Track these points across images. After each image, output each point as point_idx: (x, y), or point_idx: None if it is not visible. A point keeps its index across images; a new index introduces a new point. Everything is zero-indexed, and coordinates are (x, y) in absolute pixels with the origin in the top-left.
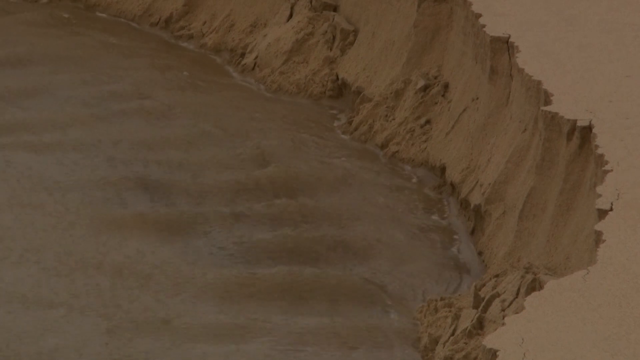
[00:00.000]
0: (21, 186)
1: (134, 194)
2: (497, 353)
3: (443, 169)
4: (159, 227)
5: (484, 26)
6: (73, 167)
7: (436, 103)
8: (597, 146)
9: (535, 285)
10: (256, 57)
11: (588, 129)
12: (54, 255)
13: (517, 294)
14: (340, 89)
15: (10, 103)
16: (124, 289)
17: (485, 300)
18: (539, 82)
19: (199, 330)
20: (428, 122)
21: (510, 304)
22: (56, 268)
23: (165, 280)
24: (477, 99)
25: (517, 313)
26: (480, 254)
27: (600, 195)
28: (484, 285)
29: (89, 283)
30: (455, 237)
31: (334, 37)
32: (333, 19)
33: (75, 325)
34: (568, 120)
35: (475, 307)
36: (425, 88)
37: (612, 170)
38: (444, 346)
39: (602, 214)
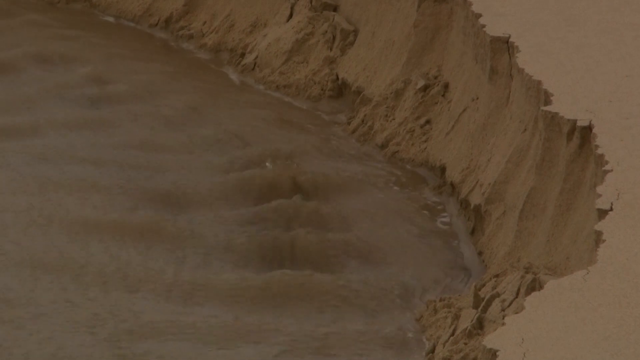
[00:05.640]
0: (17, 188)
1: (135, 198)
2: (497, 353)
3: (443, 169)
4: (160, 231)
5: (484, 26)
6: (72, 169)
7: (436, 103)
8: (597, 146)
9: (535, 285)
10: (256, 57)
11: (588, 129)
12: (53, 260)
13: (517, 294)
14: (340, 89)
15: (8, 105)
16: (124, 294)
17: (485, 300)
18: (539, 82)
19: (202, 334)
20: (428, 122)
21: (510, 304)
22: (53, 274)
23: (167, 285)
24: (477, 99)
25: (517, 313)
26: (480, 254)
27: (600, 195)
28: (484, 285)
29: (88, 289)
30: (455, 237)
31: (334, 37)
32: (333, 19)
33: (75, 332)
34: (568, 120)
35: (475, 307)
36: (425, 88)
37: (612, 170)
38: (443, 346)
39: (602, 214)
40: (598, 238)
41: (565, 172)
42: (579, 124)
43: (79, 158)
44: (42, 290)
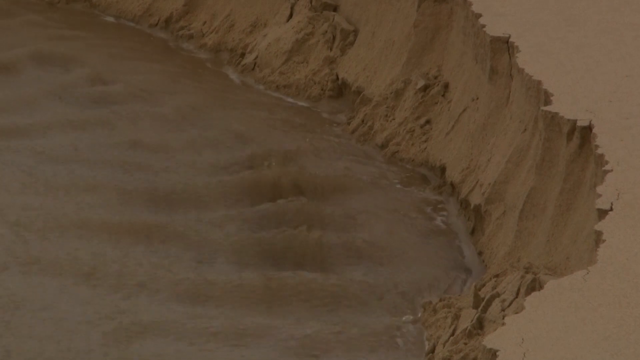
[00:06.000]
0: (17, 188)
1: (135, 198)
2: (497, 353)
3: (443, 169)
4: (160, 231)
5: (484, 26)
6: (71, 169)
7: (436, 103)
8: (597, 146)
9: (535, 285)
10: (256, 57)
11: (588, 129)
12: (52, 260)
13: (517, 294)
14: (340, 89)
15: (8, 107)
16: (124, 294)
17: (485, 300)
18: (539, 82)
19: (202, 334)
20: (428, 122)
21: (510, 304)
22: (53, 273)
23: (167, 285)
24: (477, 99)
25: (517, 313)
26: (480, 254)
27: (600, 195)
28: (484, 285)
29: (87, 289)
30: (455, 237)
31: (334, 37)
32: (333, 19)
33: (75, 332)
34: (568, 120)
35: (475, 307)
36: (425, 88)
37: (612, 170)
38: (443, 346)
39: (602, 214)
40: (598, 238)
41: (565, 172)
42: (579, 124)
43: (78, 158)
44: (42, 290)
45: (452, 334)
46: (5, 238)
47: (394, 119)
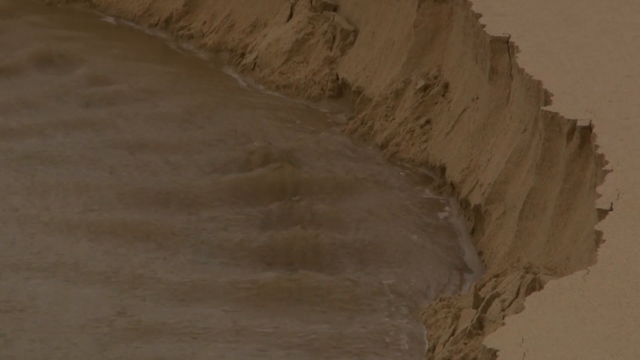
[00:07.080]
0: (17, 189)
1: (135, 198)
2: (497, 353)
3: (443, 169)
4: (159, 231)
5: (484, 26)
6: (71, 169)
7: (436, 103)
8: (597, 146)
9: (535, 285)
10: (256, 57)
11: (588, 129)
12: (51, 261)
13: (517, 294)
14: (340, 89)
15: (8, 107)
16: (122, 295)
17: (485, 300)
18: (539, 82)
19: (201, 335)
20: (428, 122)
21: (510, 304)
22: (51, 274)
23: (166, 285)
24: (477, 99)
25: (517, 313)
26: (480, 254)
27: (600, 195)
28: (484, 285)
29: (85, 290)
30: (455, 237)
31: (334, 37)
32: (333, 19)
33: (73, 333)
34: (568, 120)
35: (475, 307)
36: (425, 88)
37: (612, 170)
38: (443, 346)
39: (602, 214)
40: (598, 238)
41: (565, 172)
42: (579, 124)
43: (78, 158)
44: (38, 292)
45: (452, 334)
46: (4, 239)
47: (394, 119)
